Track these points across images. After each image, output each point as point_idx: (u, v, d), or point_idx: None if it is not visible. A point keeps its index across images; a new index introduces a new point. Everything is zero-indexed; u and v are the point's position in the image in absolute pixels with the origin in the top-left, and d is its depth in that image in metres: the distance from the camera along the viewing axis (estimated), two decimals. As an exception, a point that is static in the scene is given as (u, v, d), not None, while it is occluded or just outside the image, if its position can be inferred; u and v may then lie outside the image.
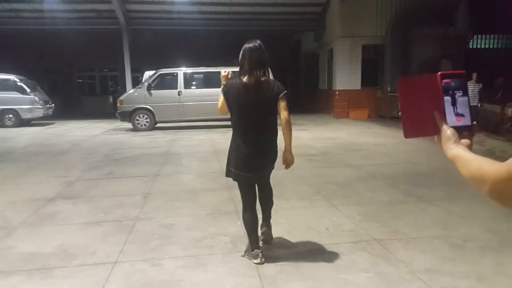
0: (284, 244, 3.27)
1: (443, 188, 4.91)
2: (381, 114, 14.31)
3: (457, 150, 0.81)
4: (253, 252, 2.92)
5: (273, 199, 3.23)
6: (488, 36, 17.75)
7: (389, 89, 14.06)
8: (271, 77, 3.00)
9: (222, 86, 2.91)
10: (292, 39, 20.74)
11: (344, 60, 14.56)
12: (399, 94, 0.89)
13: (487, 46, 17.97)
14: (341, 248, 3.15)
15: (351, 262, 2.93)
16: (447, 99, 0.82)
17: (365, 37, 14.45)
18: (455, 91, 0.83)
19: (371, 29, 14.42)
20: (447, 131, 0.82)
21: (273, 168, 3.09)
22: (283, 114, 2.86)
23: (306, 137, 9.71)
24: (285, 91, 2.88)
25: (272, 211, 3.25)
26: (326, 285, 2.59)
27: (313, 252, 3.10)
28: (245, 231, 3.08)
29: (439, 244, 3.24)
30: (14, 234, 3.60)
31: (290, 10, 15.69)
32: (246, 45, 2.86)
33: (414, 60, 14.56)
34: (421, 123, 0.86)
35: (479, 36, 17.34)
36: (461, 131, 0.83)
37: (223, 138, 9.98)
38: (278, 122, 2.94)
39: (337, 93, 14.78)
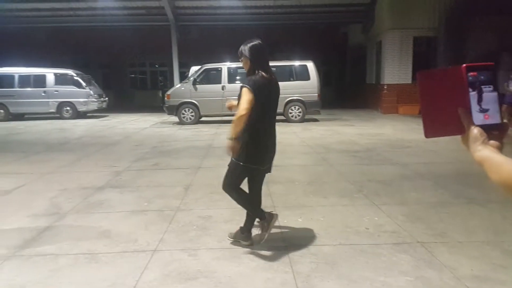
0: (320, 241, 3.20)
1: (496, 190, 4.54)
2: (432, 110, 13.63)
3: (485, 152, 0.72)
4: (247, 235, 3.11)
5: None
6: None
7: (441, 83, 13.34)
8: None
9: (248, 85, 2.80)
10: (339, 32, 20.27)
11: (393, 53, 14.01)
12: (419, 88, 0.80)
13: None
14: (381, 249, 3.03)
15: (391, 264, 2.80)
16: (474, 94, 0.73)
17: (417, 28, 13.79)
18: (483, 86, 0.74)
19: (423, 20, 13.71)
20: (474, 130, 0.73)
21: None
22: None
23: (351, 133, 9.47)
24: None
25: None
26: (362, 287, 2.51)
27: (350, 252, 3.01)
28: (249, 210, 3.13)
29: (489, 250, 3.01)
30: (64, 219, 3.83)
31: (337, 2, 15.32)
32: (253, 43, 2.92)
33: (471, 53, 13.66)
34: (444, 121, 0.78)
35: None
36: (489, 131, 0.74)
37: (266, 133, 10.00)
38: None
39: (385, 87, 14.27)
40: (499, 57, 13.21)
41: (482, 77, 0.73)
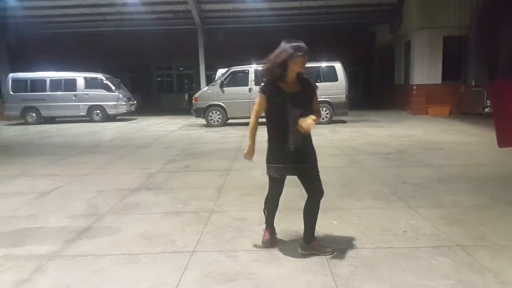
0: (358, 245, 3.18)
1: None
2: (464, 111, 13.24)
3: None
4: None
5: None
6: None
7: (473, 83, 12.94)
8: None
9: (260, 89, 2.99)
10: (366, 32, 20.02)
11: (423, 53, 13.71)
12: (491, 98, 0.81)
13: None
14: (420, 253, 2.98)
15: (431, 267, 2.76)
16: None
17: (447, 27, 13.44)
18: None
19: (453, 19, 13.35)
20: None
21: None
22: None
23: (380, 135, 9.33)
24: None
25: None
26: (403, 290, 2.48)
27: (389, 255, 2.97)
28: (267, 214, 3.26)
29: (533, 254, 2.93)
30: (103, 220, 3.95)
31: (364, 2, 15.15)
32: (285, 44, 2.92)
33: (503, 52, 13.18)
34: None
35: None
36: None
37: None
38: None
39: (414, 88, 13.97)
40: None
41: None
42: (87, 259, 3.06)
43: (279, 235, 3.38)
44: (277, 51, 2.87)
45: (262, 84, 2.99)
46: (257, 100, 3.01)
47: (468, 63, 13.52)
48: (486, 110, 12.50)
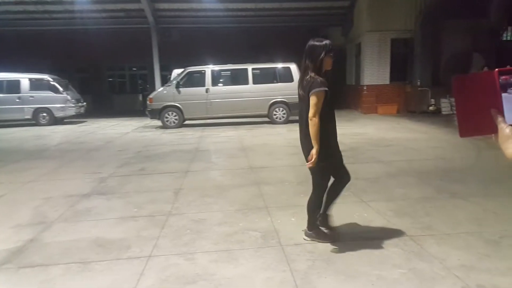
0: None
1: (477, 185, 4.76)
2: (410, 109, 13.97)
3: None
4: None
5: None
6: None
7: (418, 83, 13.70)
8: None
9: (320, 87, 2.85)
10: (319, 34, 20.55)
11: (372, 54, 14.29)
12: (454, 92, 0.86)
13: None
14: (373, 244, 3.11)
15: (384, 258, 2.89)
16: (506, 96, 0.79)
17: (394, 30, 14.11)
18: None
19: (400, 22, 14.05)
20: (506, 129, 0.78)
21: None
22: None
23: (333, 133, 9.59)
24: None
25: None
26: (359, 281, 2.57)
27: (344, 248, 3.07)
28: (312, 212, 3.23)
29: (474, 240, 3.15)
30: (52, 228, 3.75)
31: (317, 5, 15.54)
32: (317, 43, 2.97)
33: (445, 54, 14.10)
34: (478, 122, 0.83)
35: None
36: None
37: (251, 135, 10.04)
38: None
39: (365, 88, 14.53)
40: (471, 56, 13.71)
41: None
42: (35, 270, 2.90)
43: (238, 235, 3.38)
44: (311, 50, 2.96)
45: (318, 82, 2.86)
46: (315, 100, 2.83)
47: (413, 64, 14.29)
48: (431, 108, 13.29)
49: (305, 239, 3.23)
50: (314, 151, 2.85)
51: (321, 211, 3.23)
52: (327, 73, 2.99)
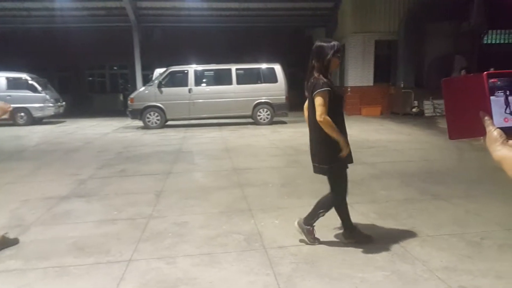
0: (299, 242, 3.23)
1: (459, 186, 4.82)
2: (393, 111, 14.16)
3: (504, 151, 0.76)
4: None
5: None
6: (503, 31, 17.35)
7: (402, 85, 13.89)
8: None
9: (322, 88, 2.83)
10: (304, 35, 20.64)
11: (356, 56, 14.43)
12: (444, 94, 0.85)
13: (502, 42, 17.58)
14: (357, 247, 3.10)
15: (367, 260, 2.88)
16: (494, 99, 0.78)
17: (378, 32, 14.29)
18: (503, 91, 0.79)
19: (384, 24, 14.25)
20: (494, 132, 0.78)
21: None
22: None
23: (317, 134, 9.62)
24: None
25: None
26: (343, 284, 2.55)
27: (328, 251, 3.06)
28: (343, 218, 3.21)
29: (456, 242, 3.18)
30: (29, 232, 3.62)
31: (301, 6, 15.60)
32: (324, 43, 2.94)
33: (428, 56, 14.36)
34: (466, 124, 0.83)
35: (494, 31, 16.98)
36: (509, 133, 0.78)
37: (234, 136, 9.98)
38: None
39: (349, 89, 14.65)
40: (453, 59, 14.01)
41: (500, 83, 0.78)
42: (11, 274, 2.79)
43: (221, 238, 3.33)
44: (318, 50, 2.93)
45: (320, 83, 2.86)
46: (319, 100, 2.83)
47: (397, 66, 14.49)
48: (414, 110, 13.49)
49: (346, 241, 3.20)
50: (341, 145, 2.88)
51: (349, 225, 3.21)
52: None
